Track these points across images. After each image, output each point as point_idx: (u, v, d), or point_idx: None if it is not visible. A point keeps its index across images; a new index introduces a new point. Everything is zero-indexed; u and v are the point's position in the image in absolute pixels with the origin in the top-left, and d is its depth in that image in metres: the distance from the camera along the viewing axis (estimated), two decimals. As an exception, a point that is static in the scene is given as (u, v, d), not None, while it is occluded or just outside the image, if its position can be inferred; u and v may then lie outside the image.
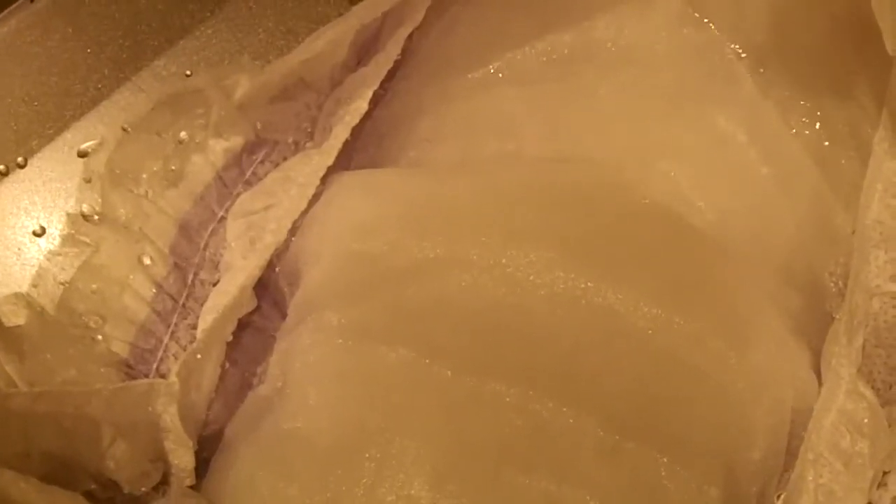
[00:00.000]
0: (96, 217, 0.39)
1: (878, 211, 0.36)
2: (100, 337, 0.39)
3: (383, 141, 0.45)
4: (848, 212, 0.40)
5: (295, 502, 0.36)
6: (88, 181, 0.40)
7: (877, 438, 0.33)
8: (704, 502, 0.35)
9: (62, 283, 0.39)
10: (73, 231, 0.39)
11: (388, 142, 0.45)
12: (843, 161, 0.40)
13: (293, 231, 0.41)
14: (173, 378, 0.37)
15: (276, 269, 0.41)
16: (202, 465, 0.40)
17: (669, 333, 0.36)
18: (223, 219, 0.41)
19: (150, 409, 0.38)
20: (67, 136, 0.47)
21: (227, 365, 0.40)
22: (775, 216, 0.40)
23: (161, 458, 0.39)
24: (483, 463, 0.36)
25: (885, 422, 0.33)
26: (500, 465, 0.36)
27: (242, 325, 0.41)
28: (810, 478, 0.33)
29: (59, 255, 0.39)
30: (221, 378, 0.40)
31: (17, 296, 0.39)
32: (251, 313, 0.41)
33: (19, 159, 0.46)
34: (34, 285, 0.39)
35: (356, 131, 0.43)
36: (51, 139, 0.47)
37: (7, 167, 0.46)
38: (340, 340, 0.39)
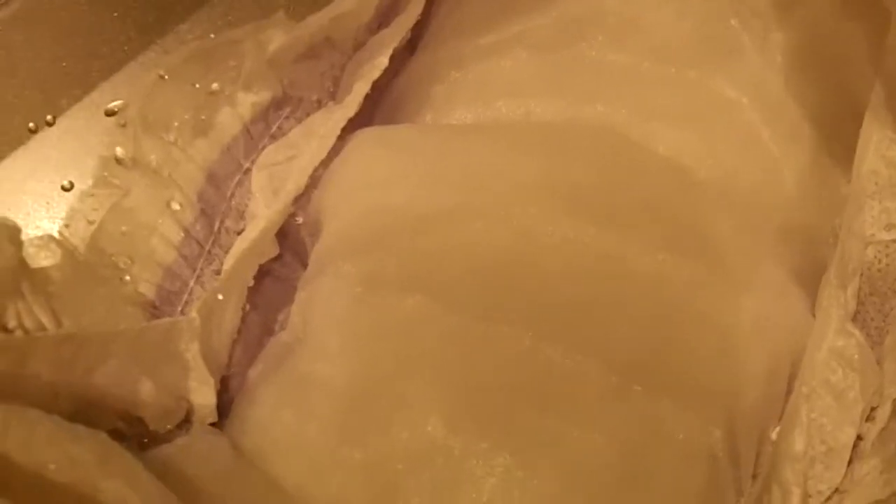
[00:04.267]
0: (129, 161, 0.41)
1: (873, 161, 0.38)
2: (128, 278, 0.40)
3: (400, 107, 0.47)
4: (846, 177, 0.42)
5: (313, 440, 0.38)
6: (123, 126, 0.41)
7: (866, 373, 0.34)
8: (708, 444, 0.37)
9: (91, 222, 0.40)
10: (105, 173, 0.40)
11: (403, 107, 0.47)
12: (842, 127, 0.42)
13: (314, 183, 0.42)
14: (194, 314, 0.39)
15: (299, 221, 0.43)
16: (226, 406, 0.41)
17: (674, 278, 0.38)
18: (248, 170, 0.43)
19: (172, 346, 0.39)
20: (95, 95, 0.48)
21: (249, 308, 0.42)
22: (776, 177, 0.42)
23: (184, 396, 0.40)
24: (495, 403, 0.38)
25: (873, 359, 0.35)
26: (512, 406, 0.37)
27: (264, 273, 0.42)
28: (804, 412, 0.34)
29: (92, 196, 0.40)
30: (243, 322, 0.42)
31: (42, 237, 0.40)
32: (273, 262, 0.42)
33: (48, 117, 0.48)
34: (66, 224, 0.40)
35: (376, 95, 0.45)
36: (78, 99, 0.48)
37: (36, 125, 0.48)
38: (358, 289, 0.40)
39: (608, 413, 0.37)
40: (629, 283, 0.38)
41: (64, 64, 0.49)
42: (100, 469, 0.37)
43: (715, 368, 0.37)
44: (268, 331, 0.43)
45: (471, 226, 0.40)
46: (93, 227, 0.40)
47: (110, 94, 0.48)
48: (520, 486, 0.36)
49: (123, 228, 0.40)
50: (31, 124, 0.48)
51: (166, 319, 0.39)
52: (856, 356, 0.34)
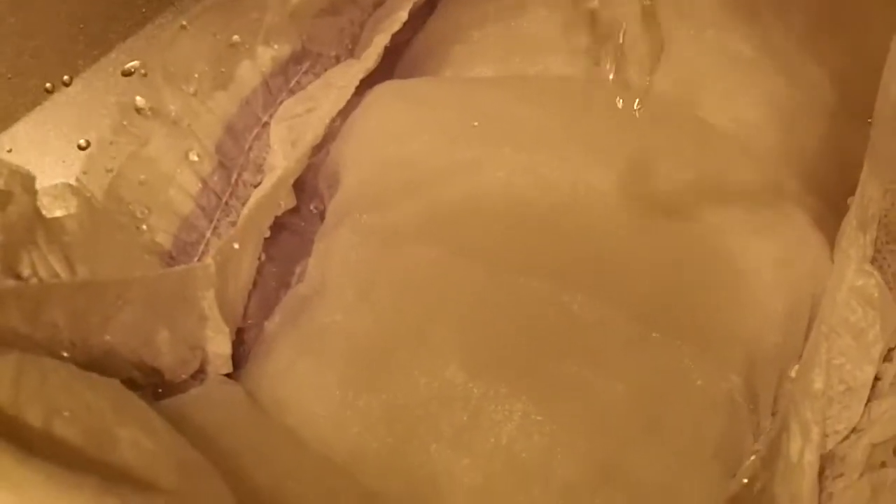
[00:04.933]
0: (148, 111, 0.41)
1: (893, 109, 0.38)
2: (145, 227, 0.40)
3: (419, 65, 0.47)
4: (864, 136, 0.42)
5: (332, 389, 0.38)
6: (144, 75, 0.41)
7: (886, 312, 0.34)
8: (727, 389, 0.37)
9: (110, 171, 0.40)
10: (125, 122, 0.41)
11: (423, 66, 0.47)
12: (860, 87, 0.42)
13: (333, 135, 0.43)
14: (209, 261, 0.39)
15: (317, 174, 0.43)
16: (242, 358, 0.42)
17: (695, 223, 0.38)
18: (266, 124, 0.43)
19: (188, 293, 0.39)
20: (112, 56, 0.48)
21: (265, 260, 0.42)
22: (796, 132, 0.42)
23: (199, 345, 0.40)
24: (516, 351, 0.38)
25: (892, 299, 0.35)
26: (533, 354, 0.37)
27: (281, 226, 0.43)
28: (823, 351, 0.34)
29: (111, 144, 0.40)
30: (260, 274, 0.42)
31: (58, 186, 0.40)
32: (290, 215, 0.43)
33: (65, 78, 0.48)
34: (84, 172, 0.40)
35: (395, 54, 0.45)
36: (95, 60, 0.48)
37: (53, 85, 0.48)
38: (377, 242, 0.40)
39: (628, 361, 0.37)
40: (650, 229, 0.38)
41: (81, 25, 0.49)
42: (115, 416, 0.36)
43: (734, 313, 0.37)
44: (284, 283, 0.43)
45: (491, 177, 0.40)
46: (111, 176, 0.40)
47: (127, 55, 0.48)
48: (539, 430, 0.36)
49: (142, 177, 0.40)
50: (47, 84, 0.47)
51: (182, 266, 0.39)
52: (875, 294, 0.34)
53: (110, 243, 0.39)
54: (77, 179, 0.40)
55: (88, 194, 0.39)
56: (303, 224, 0.43)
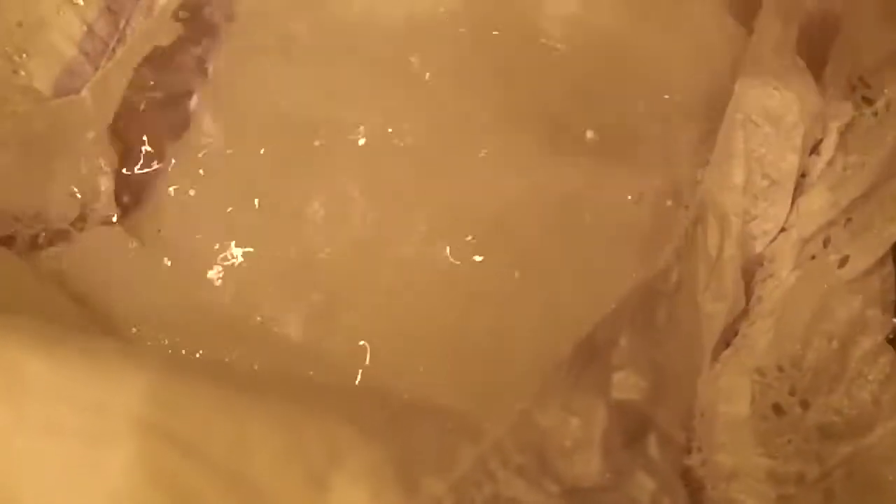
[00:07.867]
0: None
1: None
2: (23, 73, 0.38)
3: None
4: None
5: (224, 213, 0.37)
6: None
7: (805, 95, 0.31)
8: (651, 191, 0.34)
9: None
10: (-2, -40, 0.38)
11: None
12: None
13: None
14: (84, 93, 0.36)
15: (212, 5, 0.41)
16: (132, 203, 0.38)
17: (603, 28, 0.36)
18: (156, -31, 0.41)
19: (67, 133, 0.36)
20: None
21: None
22: None
23: (82, 189, 0.37)
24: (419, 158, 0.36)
25: (813, 82, 0.32)
26: (439, 153, 0.36)
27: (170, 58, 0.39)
28: (739, 140, 0.31)
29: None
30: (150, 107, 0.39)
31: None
32: (180, 51, 0.40)
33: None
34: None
35: None
36: None
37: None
38: (279, 62, 0.39)
39: (541, 170, 0.35)
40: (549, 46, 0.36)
41: None
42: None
43: (652, 108, 0.35)
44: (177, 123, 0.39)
45: None
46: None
47: None
48: (445, 243, 0.34)
49: (20, 19, 0.38)
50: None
51: (57, 100, 0.36)
52: (794, 76, 0.31)
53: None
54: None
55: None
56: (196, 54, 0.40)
